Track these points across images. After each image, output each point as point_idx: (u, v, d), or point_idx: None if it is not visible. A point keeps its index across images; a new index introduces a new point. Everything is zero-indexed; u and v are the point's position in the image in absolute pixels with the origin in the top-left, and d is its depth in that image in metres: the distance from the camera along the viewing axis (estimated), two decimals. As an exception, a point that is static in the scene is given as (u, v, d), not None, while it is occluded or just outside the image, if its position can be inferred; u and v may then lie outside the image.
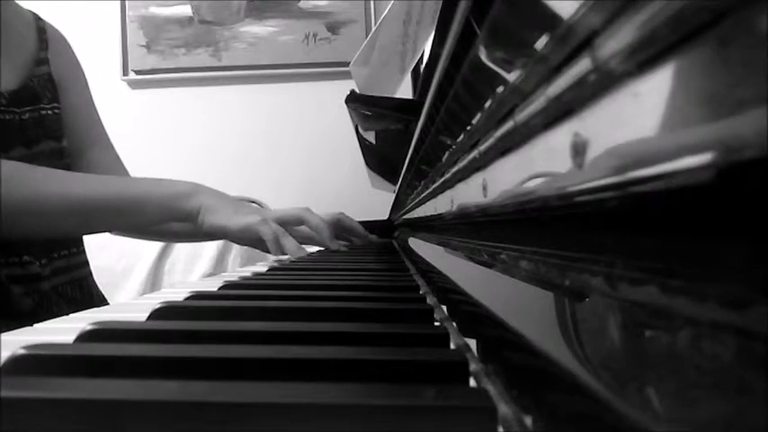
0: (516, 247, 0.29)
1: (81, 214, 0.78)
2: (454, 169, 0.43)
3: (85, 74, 1.03)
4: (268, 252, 0.87)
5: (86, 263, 0.98)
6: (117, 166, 1.04)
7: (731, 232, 0.12)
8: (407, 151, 0.78)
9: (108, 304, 0.69)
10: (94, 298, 0.96)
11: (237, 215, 0.84)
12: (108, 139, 1.04)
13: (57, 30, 1.00)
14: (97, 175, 0.89)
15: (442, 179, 0.51)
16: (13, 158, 0.83)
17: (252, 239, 0.86)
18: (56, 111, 0.92)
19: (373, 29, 1.12)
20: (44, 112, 0.90)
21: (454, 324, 0.35)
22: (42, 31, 0.95)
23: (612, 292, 0.16)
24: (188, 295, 0.41)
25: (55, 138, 0.91)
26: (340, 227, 1.10)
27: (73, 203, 0.77)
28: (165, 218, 0.87)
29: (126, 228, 0.98)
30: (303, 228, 0.95)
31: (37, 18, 0.97)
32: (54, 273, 0.87)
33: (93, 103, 1.03)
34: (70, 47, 1.01)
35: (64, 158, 0.92)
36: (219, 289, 0.48)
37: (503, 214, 0.31)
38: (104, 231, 0.94)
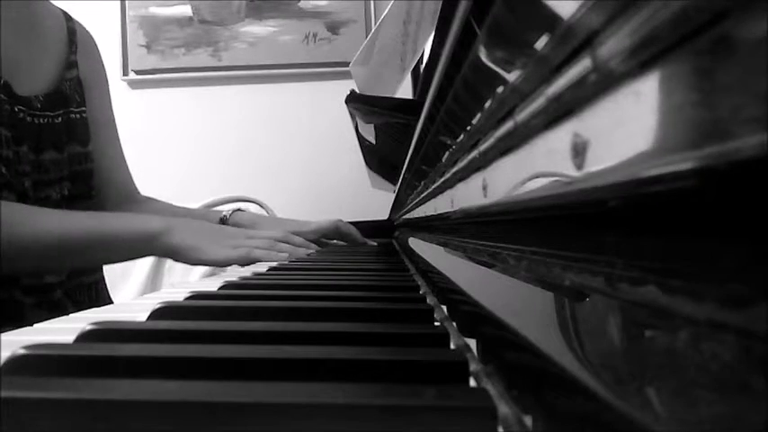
0: (516, 247, 0.29)
1: (49, 253, 0.77)
2: (454, 169, 0.43)
3: (107, 75, 1.03)
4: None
5: (99, 267, 0.98)
6: (126, 175, 1.03)
7: (731, 232, 0.12)
8: (407, 151, 0.78)
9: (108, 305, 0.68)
10: (104, 303, 0.96)
11: (222, 248, 0.82)
12: (120, 146, 1.04)
13: (85, 29, 0.99)
14: (68, 211, 0.86)
15: (442, 179, 0.51)
16: (45, 161, 0.84)
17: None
18: (83, 115, 0.93)
19: (373, 29, 1.12)
20: (73, 116, 0.90)
21: (454, 324, 0.35)
22: (73, 33, 0.95)
23: (612, 292, 0.16)
24: (188, 295, 0.41)
25: (81, 142, 0.91)
26: (338, 233, 1.10)
27: (42, 243, 0.76)
28: (138, 255, 0.86)
29: (98, 264, 0.97)
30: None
31: (67, 18, 0.96)
32: (67, 277, 0.87)
33: (112, 109, 1.03)
34: (97, 47, 1.01)
35: (88, 162, 0.92)
36: (219, 289, 0.48)
37: (503, 214, 0.31)
38: (74, 268, 0.93)
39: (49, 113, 0.86)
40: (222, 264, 0.83)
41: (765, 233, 0.10)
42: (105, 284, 1.00)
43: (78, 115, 0.91)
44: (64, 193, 0.87)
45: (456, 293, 0.37)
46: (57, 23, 0.93)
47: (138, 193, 1.06)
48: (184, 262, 0.84)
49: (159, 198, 1.10)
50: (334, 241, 1.17)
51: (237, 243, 0.84)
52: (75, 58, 0.94)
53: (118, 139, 1.03)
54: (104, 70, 1.02)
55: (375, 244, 1.18)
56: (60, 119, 0.87)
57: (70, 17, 0.97)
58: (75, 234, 0.78)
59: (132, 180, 1.05)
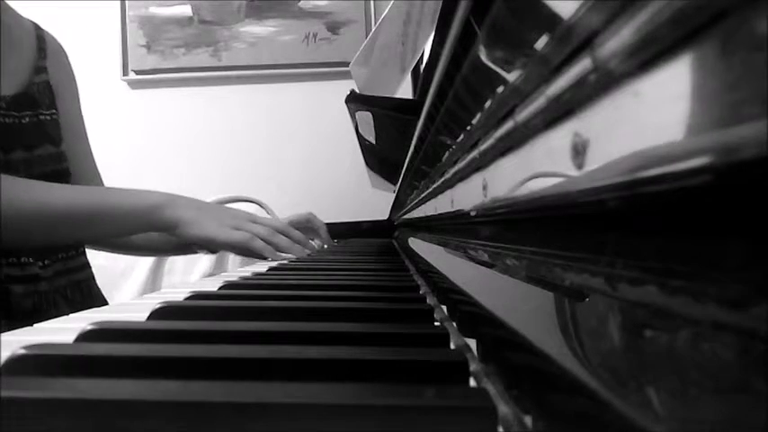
0: (516, 247, 0.29)
1: (54, 224, 0.79)
2: (454, 169, 0.43)
3: (78, 85, 1.05)
4: (261, 258, 0.87)
5: (87, 265, 0.99)
6: (95, 178, 1.05)
7: (731, 232, 0.12)
8: (407, 151, 0.78)
9: (108, 305, 0.69)
10: (95, 300, 0.97)
11: (223, 228, 0.83)
12: (90, 150, 1.05)
13: (55, 40, 1.02)
14: (71, 185, 0.89)
15: (442, 179, 0.51)
16: (14, 161, 0.85)
17: (242, 251, 0.86)
18: (54, 116, 0.94)
19: (373, 29, 1.12)
20: (43, 117, 0.92)
21: (454, 324, 0.35)
22: (42, 40, 0.97)
23: (612, 292, 0.16)
24: (188, 295, 0.41)
25: (53, 142, 0.93)
26: (308, 228, 1.10)
27: (47, 214, 0.77)
28: (139, 229, 0.86)
29: (100, 237, 0.98)
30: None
31: (36, 27, 0.99)
32: (55, 274, 0.88)
33: (82, 115, 1.05)
34: (67, 58, 1.04)
35: (62, 162, 0.94)
36: (219, 289, 0.48)
37: (503, 214, 0.31)
38: (77, 241, 0.94)
39: (14, 114, 0.87)
40: (222, 242, 0.83)
41: (765, 233, 0.10)
42: (95, 282, 1.00)
43: (49, 117, 0.93)
44: None
45: (456, 293, 0.37)
46: (25, 31, 0.96)
47: None
48: (183, 237, 0.84)
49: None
50: (335, 241, 1.17)
51: (239, 224, 0.85)
52: (45, 63, 0.96)
53: (88, 143, 1.05)
54: (74, 78, 1.04)
55: (335, 242, 1.19)
56: (28, 119, 0.89)
57: (39, 27, 1.00)
58: (79, 206, 0.80)
59: (102, 183, 1.06)
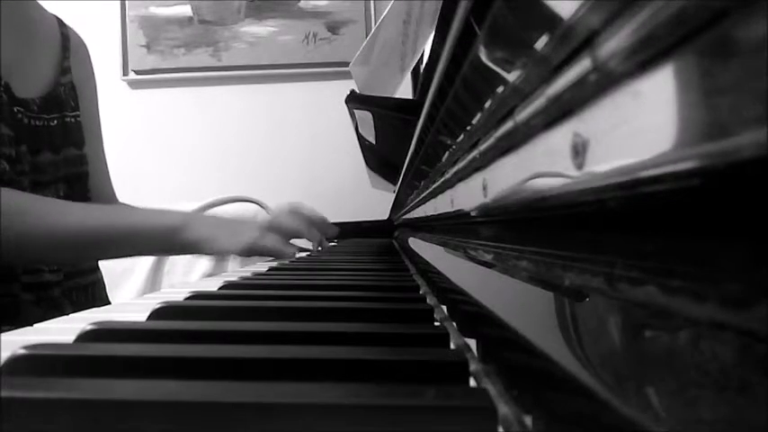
0: (516, 247, 0.29)
1: (74, 247, 0.80)
2: (454, 169, 0.43)
3: (96, 81, 1.04)
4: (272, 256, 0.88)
5: (96, 268, 0.99)
6: (107, 181, 1.05)
7: (731, 232, 0.12)
8: (407, 151, 0.78)
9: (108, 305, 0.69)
10: (100, 303, 0.97)
11: (238, 236, 0.86)
12: (104, 152, 1.05)
13: (78, 36, 1.01)
14: (91, 204, 0.90)
15: (442, 179, 0.51)
16: (42, 163, 0.85)
17: (257, 253, 0.88)
18: (77, 119, 0.95)
19: (373, 29, 1.12)
20: (68, 119, 0.92)
21: (454, 324, 0.35)
22: (66, 38, 0.97)
23: (612, 292, 0.16)
24: (188, 295, 0.41)
25: (77, 145, 0.93)
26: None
27: (68, 236, 0.78)
28: (158, 251, 0.90)
29: (118, 258, 1.00)
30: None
31: (61, 24, 0.98)
32: (65, 277, 0.88)
33: (99, 115, 1.05)
34: (89, 54, 1.03)
35: (84, 165, 0.94)
36: (219, 289, 0.48)
37: (503, 214, 0.31)
38: (96, 260, 0.96)
39: (44, 116, 0.87)
40: (235, 251, 0.87)
41: (765, 233, 0.10)
42: (104, 285, 1.01)
43: (73, 119, 0.93)
44: (60, 195, 0.88)
45: (456, 293, 0.37)
46: (51, 29, 0.95)
47: (117, 199, 1.07)
48: (202, 254, 0.87)
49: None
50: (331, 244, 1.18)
51: (246, 230, 0.88)
52: (69, 63, 0.96)
53: (102, 146, 1.05)
54: (94, 76, 1.04)
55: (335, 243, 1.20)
56: (56, 122, 0.89)
57: (63, 23, 0.99)
58: (99, 227, 0.81)
59: (112, 185, 1.07)
